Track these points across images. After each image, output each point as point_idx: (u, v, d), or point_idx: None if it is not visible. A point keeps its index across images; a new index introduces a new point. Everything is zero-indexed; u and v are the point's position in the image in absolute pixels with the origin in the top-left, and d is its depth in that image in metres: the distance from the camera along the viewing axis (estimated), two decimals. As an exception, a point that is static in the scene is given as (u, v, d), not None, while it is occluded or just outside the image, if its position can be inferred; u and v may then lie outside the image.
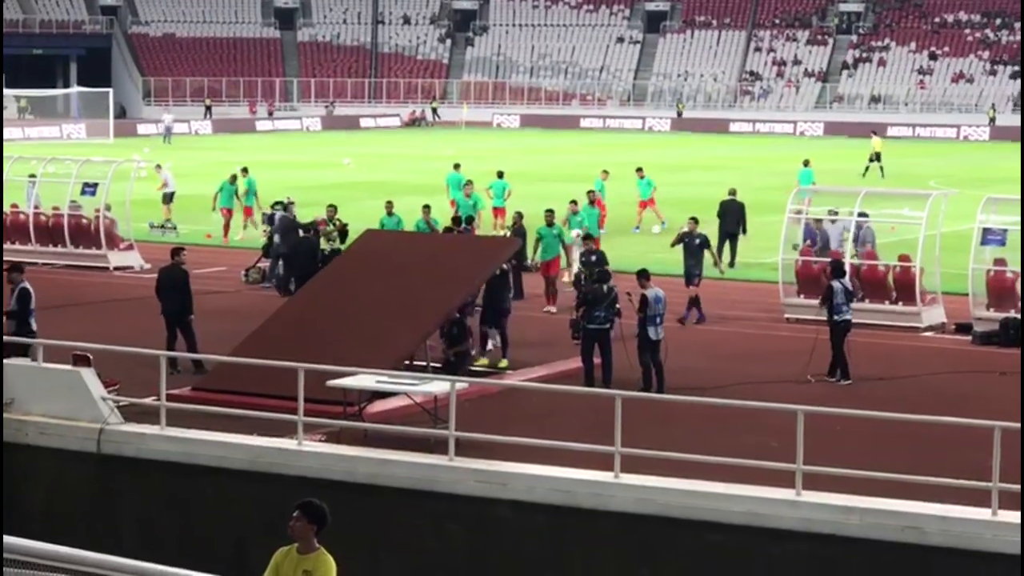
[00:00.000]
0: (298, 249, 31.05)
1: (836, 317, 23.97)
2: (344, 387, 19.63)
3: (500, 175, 42.96)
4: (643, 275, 23.48)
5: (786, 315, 29.14)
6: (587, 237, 30.53)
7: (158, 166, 46.57)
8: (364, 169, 66.54)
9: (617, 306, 23.15)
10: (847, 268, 28.75)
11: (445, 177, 44.63)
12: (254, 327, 23.40)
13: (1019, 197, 29.23)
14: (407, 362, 22.79)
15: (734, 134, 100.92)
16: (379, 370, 20.12)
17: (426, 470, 17.91)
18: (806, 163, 49.98)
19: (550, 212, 31.29)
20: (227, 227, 40.51)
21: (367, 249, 25.70)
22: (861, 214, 31.14)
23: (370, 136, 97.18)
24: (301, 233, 31.58)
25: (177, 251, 24.81)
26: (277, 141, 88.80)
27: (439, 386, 19.34)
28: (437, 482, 17.78)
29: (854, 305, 28.32)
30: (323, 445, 18.95)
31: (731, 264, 35.49)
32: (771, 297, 30.36)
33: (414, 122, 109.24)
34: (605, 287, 23.20)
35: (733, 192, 37.32)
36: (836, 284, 24.15)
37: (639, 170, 45.09)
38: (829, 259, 27.67)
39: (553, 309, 29.62)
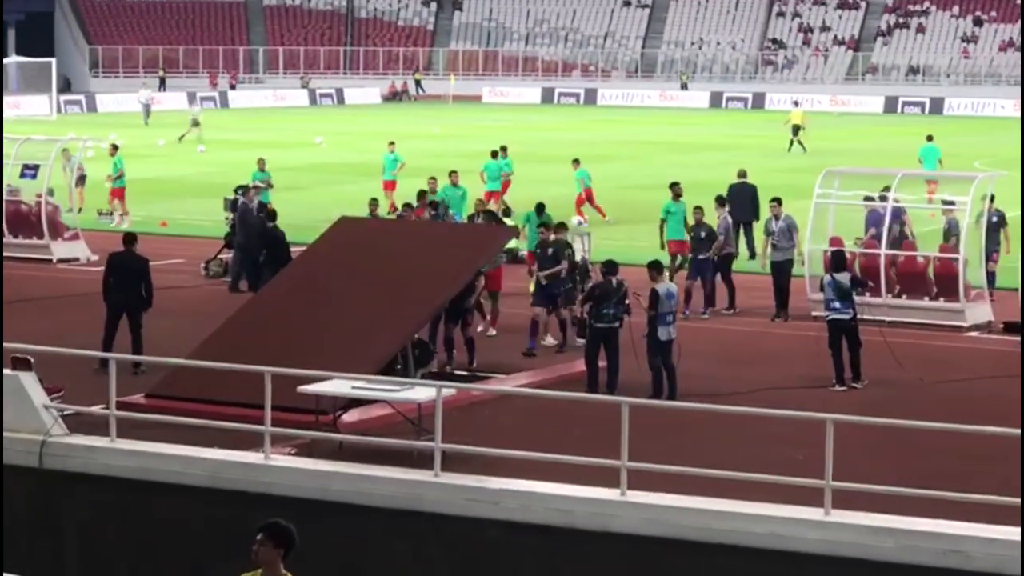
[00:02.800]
0: (251, 241, 30.80)
1: (826, 314, 24.11)
2: (317, 393, 19.63)
3: (494, 155, 42.77)
4: (654, 267, 23.40)
5: (813, 312, 29.11)
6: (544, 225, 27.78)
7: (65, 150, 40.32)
8: (339, 149, 66.52)
9: (627, 302, 23.15)
10: (882, 259, 28.92)
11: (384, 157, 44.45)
12: (216, 326, 23.40)
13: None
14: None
15: (754, 109, 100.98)
16: (356, 375, 20.11)
17: (409, 487, 17.91)
18: (929, 138, 49.42)
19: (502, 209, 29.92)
20: None
21: (342, 238, 25.47)
22: (868, 197, 31.58)
23: (345, 112, 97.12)
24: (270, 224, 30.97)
25: (131, 238, 25.04)
26: (248, 118, 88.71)
27: (423, 392, 19.33)
28: (421, 500, 17.79)
29: (893, 301, 28.56)
30: (293, 459, 18.96)
31: (750, 256, 35.38)
32: (796, 292, 30.28)
33: (395, 96, 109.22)
34: (614, 281, 23.17)
35: (743, 174, 37.11)
36: (826, 278, 24.22)
37: (576, 161, 42.60)
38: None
39: (493, 331, 27.36)
